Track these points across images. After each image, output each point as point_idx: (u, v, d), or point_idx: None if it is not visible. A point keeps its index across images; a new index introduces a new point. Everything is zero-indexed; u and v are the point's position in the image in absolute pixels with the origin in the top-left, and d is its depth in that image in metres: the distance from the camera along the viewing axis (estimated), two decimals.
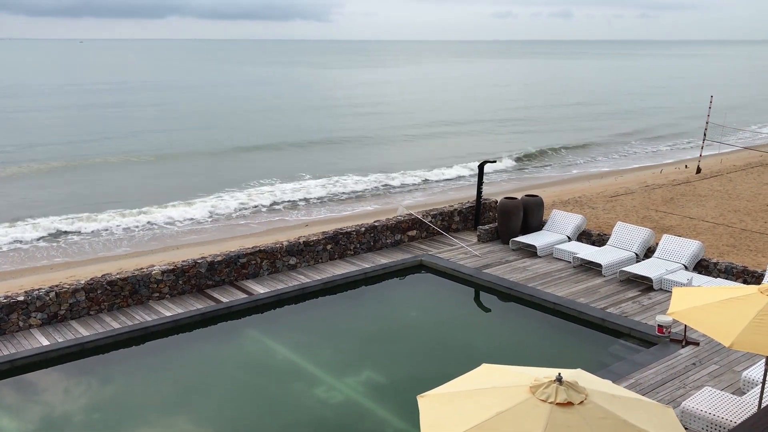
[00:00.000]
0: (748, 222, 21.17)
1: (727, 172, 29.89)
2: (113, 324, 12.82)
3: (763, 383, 8.28)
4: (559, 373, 5.87)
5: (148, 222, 25.66)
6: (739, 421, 8.75)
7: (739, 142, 41.52)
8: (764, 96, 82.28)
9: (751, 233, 19.93)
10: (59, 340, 12.11)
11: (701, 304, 8.21)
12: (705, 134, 31.09)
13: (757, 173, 29.28)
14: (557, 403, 5.63)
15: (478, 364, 11.78)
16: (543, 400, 5.68)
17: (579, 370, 6.42)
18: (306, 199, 29.48)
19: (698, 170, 30.07)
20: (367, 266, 16.07)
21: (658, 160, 39.25)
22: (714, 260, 15.43)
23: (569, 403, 5.64)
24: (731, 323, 7.71)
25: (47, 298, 12.62)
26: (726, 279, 14.90)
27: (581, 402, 5.68)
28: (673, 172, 33.20)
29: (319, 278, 15.27)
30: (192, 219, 26.18)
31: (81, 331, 12.48)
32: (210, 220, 26.21)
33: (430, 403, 6.20)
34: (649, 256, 16.42)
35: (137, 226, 25.17)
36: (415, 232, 17.97)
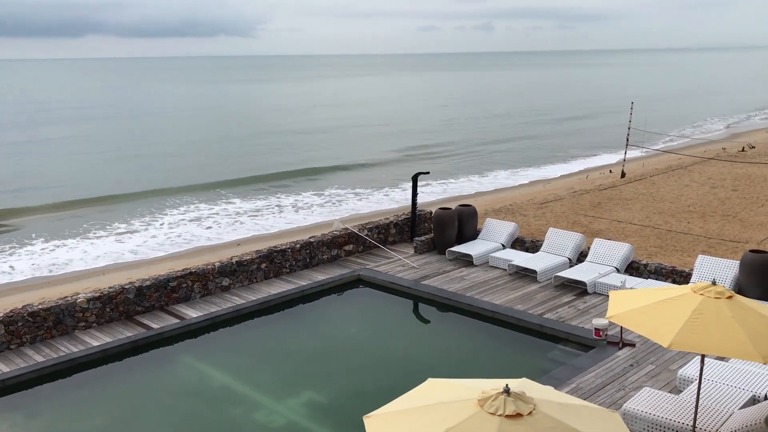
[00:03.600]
0: (673, 223, 21.87)
1: (650, 175, 30.90)
2: (36, 357, 12.11)
3: (700, 380, 8.43)
4: (507, 385, 5.78)
5: (69, 249, 24.62)
6: (678, 420, 8.88)
7: (659, 147, 43.12)
8: (677, 99, 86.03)
9: (676, 234, 20.58)
10: None
11: (638, 307, 8.31)
12: (627, 139, 32.11)
13: (678, 176, 30.37)
14: (506, 416, 5.53)
15: (422, 378, 11.66)
16: (492, 413, 5.57)
17: (524, 380, 6.36)
18: (235, 218, 28.92)
19: (623, 174, 31.00)
20: (304, 284, 15.77)
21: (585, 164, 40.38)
22: (644, 262, 15.81)
23: (518, 415, 5.55)
24: (668, 324, 7.82)
25: None
26: (656, 279, 15.29)
27: (530, 413, 5.60)
28: (598, 177, 34.12)
29: (254, 298, 14.88)
30: (116, 245, 25.27)
31: (1, 367, 11.73)
32: (136, 244, 25.33)
33: (376, 423, 6.00)
34: (582, 261, 16.70)
35: (56, 257, 24.09)
36: (351, 246, 17.78)
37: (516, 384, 6.06)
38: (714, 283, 8.17)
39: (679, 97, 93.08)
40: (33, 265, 22.71)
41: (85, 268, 22.40)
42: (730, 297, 7.92)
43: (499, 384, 6.07)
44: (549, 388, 6.35)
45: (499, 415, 5.55)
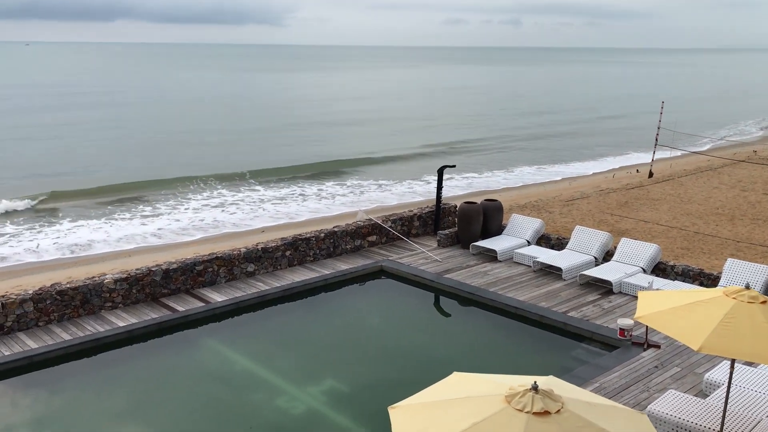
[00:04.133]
0: (701, 225, 21.58)
1: (678, 176, 30.52)
2: (63, 335, 12.27)
3: (729, 385, 8.30)
4: (535, 382, 5.73)
5: (92, 231, 24.88)
6: (705, 424, 8.77)
7: (688, 148, 42.50)
8: (708, 100, 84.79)
9: (704, 236, 20.31)
10: (6, 353, 11.52)
11: (668, 308, 8.19)
12: (657, 139, 31.70)
13: (706, 177, 29.96)
14: (534, 413, 5.48)
15: (442, 371, 11.65)
16: (519, 410, 5.52)
17: (551, 377, 6.30)
18: (259, 205, 29.04)
19: (650, 174, 30.63)
20: (327, 272, 15.79)
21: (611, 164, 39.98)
22: (671, 263, 15.62)
23: (546, 413, 5.49)
24: (698, 327, 7.70)
25: None
26: (683, 281, 15.09)
27: (558, 411, 5.54)
28: (625, 176, 33.76)
29: (278, 285, 14.94)
30: (144, 227, 25.50)
31: (29, 344, 11.90)
32: (161, 228, 25.53)
33: (402, 414, 5.98)
34: (608, 260, 16.54)
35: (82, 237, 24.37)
36: (375, 237, 17.77)
37: (543, 381, 6.00)
38: (748, 287, 8.03)
39: (710, 99, 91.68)
40: (56, 244, 22.99)
41: (109, 251, 22.61)
42: (764, 302, 7.78)
43: (526, 381, 6.01)
44: (578, 388, 6.29)
45: (527, 412, 5.50)
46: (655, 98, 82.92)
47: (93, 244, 23.12)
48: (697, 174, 31.02)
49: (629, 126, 58.91)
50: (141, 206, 28.52)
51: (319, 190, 32.30)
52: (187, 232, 24.87)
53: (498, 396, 5.76)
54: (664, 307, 8.27)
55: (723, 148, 44.85)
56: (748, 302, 7.81)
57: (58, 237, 23.78)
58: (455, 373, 6.58)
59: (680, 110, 67.02)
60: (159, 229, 25.03)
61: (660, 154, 35.87)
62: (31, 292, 12.56)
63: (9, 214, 26.75)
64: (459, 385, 6.22)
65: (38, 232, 24.29)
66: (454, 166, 21.64)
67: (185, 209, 28.08)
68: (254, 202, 29.54)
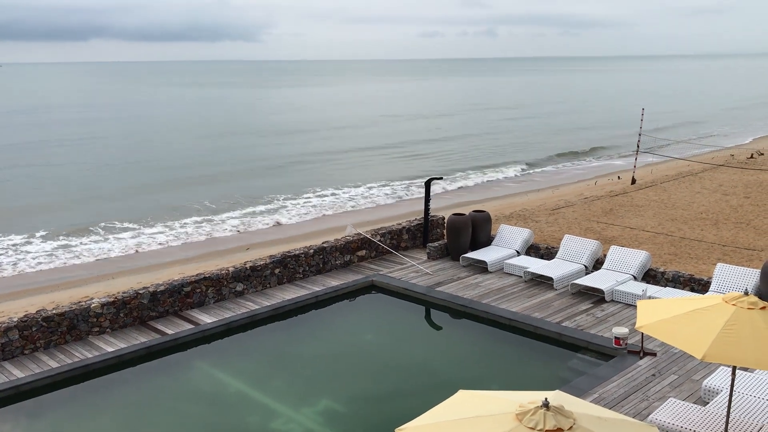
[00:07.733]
0: (686, 230, 21.69)
1: (660, 182, 30.73)
2: (51, 363, 11.97)
3: (731, 392, 8.26)
4: (546, 398, 5.63)
5: (76, 251, 24.51)
6: None
7: (667, 153, 42.87)
8: (681, 106, 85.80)
9: (690, 241, 20.41)
10: None
11: (668, 317, 8.15)
12: (638, 146, 31.93)
13: (688, 182, 30.20)
14: (547, 431, 5.38)
15: (439, 385, 11.53)
16: (531, 428, 5.43)
17: (558, 392, 6.21)
18: (245, 221, 28.80)
19: (633, 181, 30.81)
20: (317, 289, 15.61)
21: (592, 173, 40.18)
22: (661, 269, 15.63)
23: (559, 430, 5.40)
24: (700, 335, 7.66)
25: None
26: (674, 288, 15.10)
27: (570, 428, 5.46)
28: (607, 183, 33.93)
29: (268, 304, 14.73)
30: (125, 246, 25.15)
31: (15, 373, 11.59)
32: (143, 246, 25.20)
33: None
34: (598, 268, 16.53)
35: (64, 255, 23.98)
36: (364, 252, 17.63)
37: (552, 397, 5.91)
38: (746, 293, 8.01)
39: (686, 104, 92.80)
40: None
41: (89, 273, 22.24)
42: (763, 308, 7.76)
43: (535, 397, 5.92)
44: (584, 402, 6.20)
45: (539, 430, 5.41)
46: (629, 104, 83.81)
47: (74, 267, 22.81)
48: (678, 179, 31.27)
49: (610, 133, 59.26)
50: (117, 222, 28.01)
51: (301, 204, 32.09)
52: (170, 249, 24.56)
53: (508, 414, 5.65)
54: (665, 316, 8.22)
55: (702, 153, 45.28)
56: (748, 308, 7.79)
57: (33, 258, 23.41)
58: (461, 391, 6.46)
59: (659, 117, 67.62)
60: (140, 245, 24.72)
61: (640, 160, 36.11)
62: (16, 319, 12.25)
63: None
64: (466, 403, 6.11)
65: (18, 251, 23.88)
66: (441, 178, 21.62)
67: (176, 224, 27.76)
68: (234, 220, 29.26)
